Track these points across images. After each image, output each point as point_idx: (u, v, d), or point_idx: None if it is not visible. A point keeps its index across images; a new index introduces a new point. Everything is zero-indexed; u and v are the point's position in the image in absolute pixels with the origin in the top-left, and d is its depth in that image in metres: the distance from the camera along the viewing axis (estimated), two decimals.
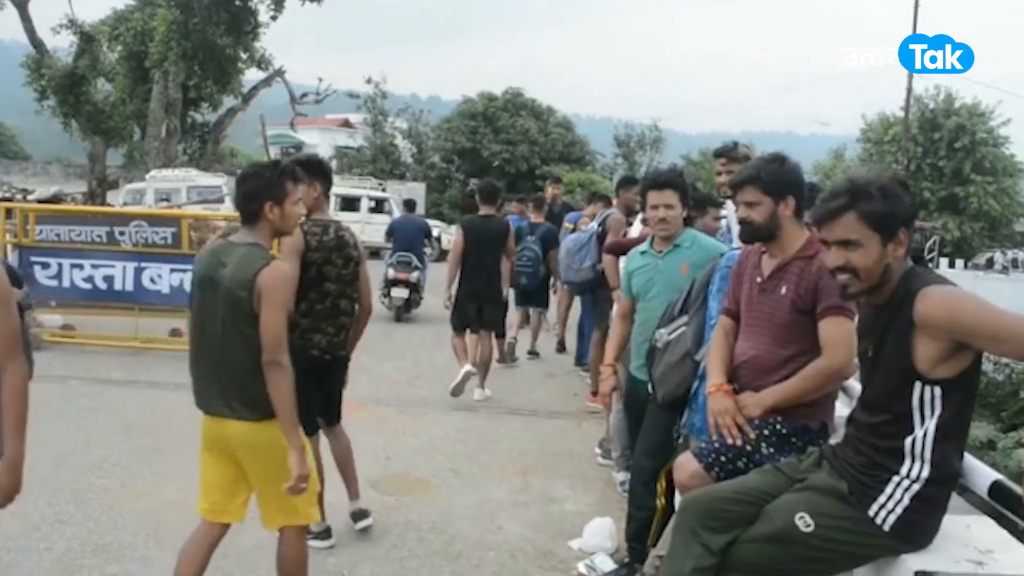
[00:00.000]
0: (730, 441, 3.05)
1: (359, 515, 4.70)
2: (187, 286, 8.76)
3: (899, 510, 2.40)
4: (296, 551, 3.51)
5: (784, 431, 3.05)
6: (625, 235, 6.83)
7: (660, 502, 3.86)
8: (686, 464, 3.20)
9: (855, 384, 3.38)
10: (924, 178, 37.20)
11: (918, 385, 2.37)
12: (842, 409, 3.59)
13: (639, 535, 4.12)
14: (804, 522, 2.47)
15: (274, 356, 3.15)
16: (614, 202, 9.28)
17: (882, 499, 2.43)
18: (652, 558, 3.57)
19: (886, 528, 2.41)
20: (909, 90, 32.43)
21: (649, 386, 4.04)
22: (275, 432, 3.22)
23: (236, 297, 3.16)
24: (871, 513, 2.43)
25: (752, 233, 3.20)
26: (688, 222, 4.36)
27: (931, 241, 30.70)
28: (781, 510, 2.54)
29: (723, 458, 3.08)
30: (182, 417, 6.62)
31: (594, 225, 7.73)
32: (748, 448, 3.05)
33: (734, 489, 2.72)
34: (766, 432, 3.05)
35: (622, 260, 5.57)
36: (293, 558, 3.50)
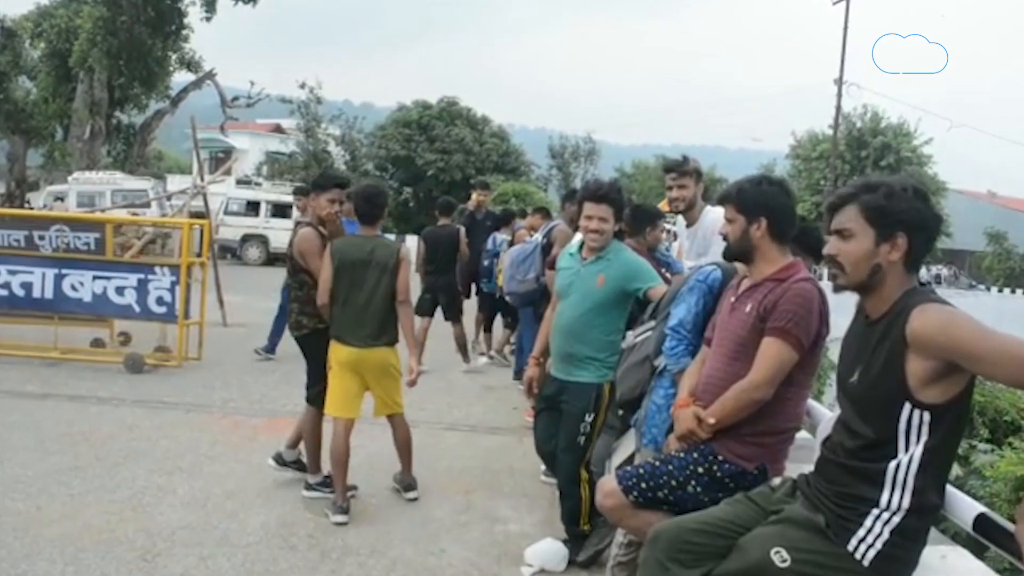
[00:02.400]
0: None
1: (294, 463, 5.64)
2: (111, 294, 8.57)
3: (879, 544, 2.28)
4: (404, 429, 5.41)
5: (719, 474, 3.00)
6: None
7: (584, 492, 4.38)
8: (604, 483, 3.21)
9: (817, 406, 3.29)
10: None
11: (907, 407, 2.25)
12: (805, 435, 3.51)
13: (572, 518, 4.51)
14: (780, 557, 2.34)
15: (406, 297, 5.10)
16: (534, 216, 9.31)
17: (861, 532, 2.31)
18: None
19: (865, 563, 2.29)
20: (838, 108, 33.23)
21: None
22: (392, 355, 5.14)
23: (387, 266, 4.97)
24: (850, 548, 2.31)
25: (727, 249, 3.20)
26: (619, 235, 4.46)
27: None
28: (756, 544, 2.41)
29: (643, 484, 3.05)
30: (104, 433, 6.34)
31: (539, 237, 7.59)
32: (673, 483, 3.02)
33: (703, 520, 2.59)
34: (700, 471, 3.01)
35: None
36: (404, 435, 5.41)
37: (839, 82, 32.47)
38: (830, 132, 36.24)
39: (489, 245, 10.00)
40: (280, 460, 5.64)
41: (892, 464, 2.28)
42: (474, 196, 11.16)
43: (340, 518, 4.90)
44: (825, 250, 2.43)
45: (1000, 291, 31.65)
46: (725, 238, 3.19)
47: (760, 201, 3.08)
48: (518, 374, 9.27)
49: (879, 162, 37.64)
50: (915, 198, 2.34)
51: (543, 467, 5.99)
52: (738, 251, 3.13)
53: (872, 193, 2.34)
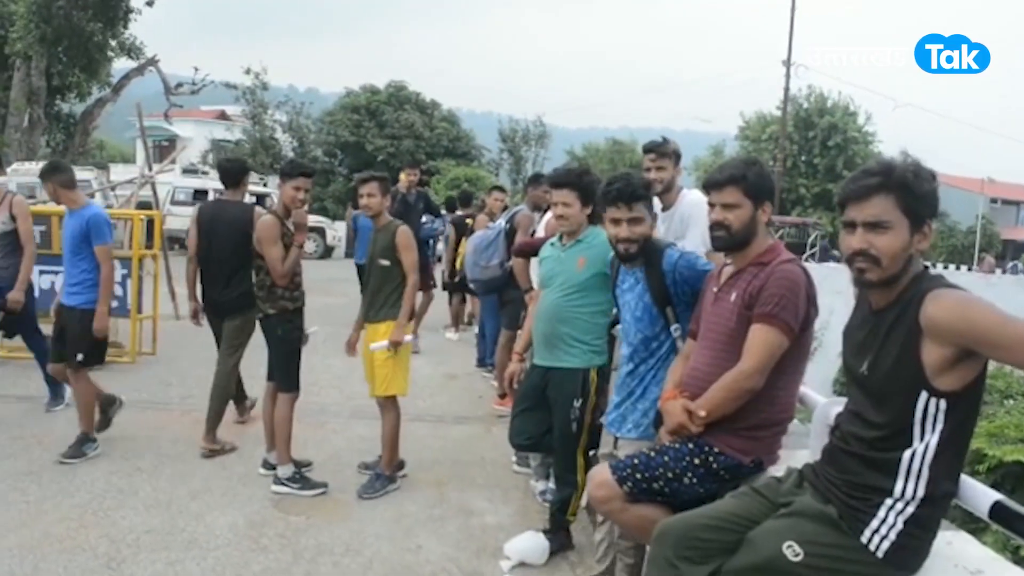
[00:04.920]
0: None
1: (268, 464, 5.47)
2: (59, 289, 8.22)
3: (893, 535, 2.21)
4: (389, 418, 5.31)
5: (715, 466, 2.92)
6: (533, 233, 6.63)
7: (581, 478, 4.28)
8: (597, 474, 3.11)
9: (810, 393, 3.22)
10: (799, 175, 38.55)
11: (923, 396, 2.18)
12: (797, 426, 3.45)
13: (562, 507, 4.47)
14: (792, 551, 2.26)
15: (417, 276, 5.26)
16: (491, 196, 9.24)
17: (875, 524, 2.23)
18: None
19: (879, 555, 2.22)
20: (787, 90, 33.49)
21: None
22: (385, 329, 5.18)
23: (390, 247, 5.13)
24: (864, 540, 2.23)
25: (728, 239, 2.98)
26: (593, 219, 4.38)
27: (813, 236, 31.68)
28: (766, 538, 2.33)
29: (638, 475, 2.96)
30: (58, 434, 6.08)
31: (502, 222, 7.45)
32: (669, 475, 2.93)
33: (711, 515, 2.50)
34: (696, 462, 2.92)
35: (532, 261, 5.46)
36: (387, 423, 5.32)
37: (787, 63, 32.72)
38: (778, 113, 36.56)
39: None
40: (268, 465, 5.47)
41: (907, 453, 2.21)
42: (402, 177, 10.02)
43: (393, 487, 5.34)
44: (853, 244, 2.28)
45: (945, 267, 32.20)
46: (720, 226, 2.97)
47: (767, 185, 2.98)
48: (481, 362, 9.17)
49: (826, 142, 38.18)
50: (935, 181, 2.27)
51: (514, 457, 5.91)
52: (742, 239, 2.95)
53: (904, 180, 2.24)
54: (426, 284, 10.38)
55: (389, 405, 5.31)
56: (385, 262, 5.18)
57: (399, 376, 5.25)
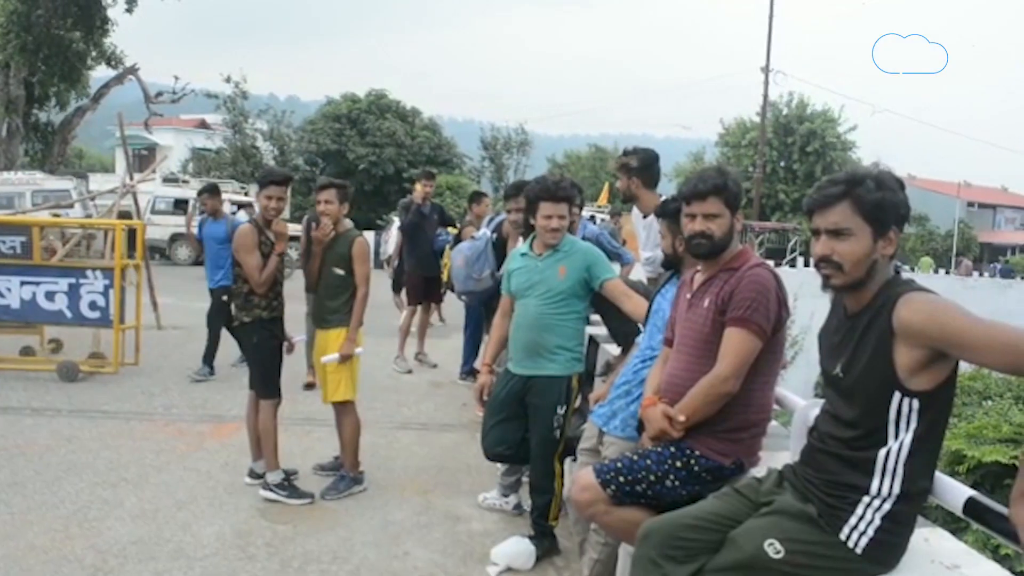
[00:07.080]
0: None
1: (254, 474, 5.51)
2: (40, 299, 8.25)
3: (871, 531, 2.27)
4: (341, 420, 5.41)
5: (696, 468, 2.96)
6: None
7: (558, 484, 4.45)
8: (581, 477, 3.14)
9: (788, 395, 3.28)
10: (779, 180, 38.82)
11: (896, 396, 2.24)
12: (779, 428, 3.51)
13: (543, 514, 4.51)
14: (774, 548, 2.31)
15: (367, 289, 5.30)
16: (481, 204, 9.25)
17: (853, 520, 2.29)
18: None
19: (858, 551, 2.28)
20: (766, 96, 33.76)
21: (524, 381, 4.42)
22: (335, 336, 5.24)
23: (346, 256, 5.21)
24: (843, 537, 2.29)
25: (710, 248, 3.04)
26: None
27: (792, 242, 31.90)
28: (748, 536, 2.38)
29: (621, 478, 3.00)
30: (41, 445, 6.07)
31: (487, 231, 7.45)
32: (652, 477, 2.97)
33: (694, 515, 2.55)
34: (678, 464, 2.96)
35: None
36: (343, 425, 5.41)
37: (766, 70, 32.99)
38: (757, 119, 36.82)
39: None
40: (254, 475, 5.48)
41: (882, 451, 2.27)
42: (419, 187, 9.72)
43: (359, 488, 5.46)
44: (817, 251, 2.37)
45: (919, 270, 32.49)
46: (702, 236, 3.02)
47: (740, 194, 3.06)
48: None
49: (805, 148, 38.48)
50: (900, 189, 2.34)
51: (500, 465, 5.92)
52: (722, 247, 3.03)
53: (865, 189, 2.31)
54: (437, 296, 10.28)
55: (346, 410, 5.39)
56: (340, 271, 5.25)
57: (349, 381, 5.33)
